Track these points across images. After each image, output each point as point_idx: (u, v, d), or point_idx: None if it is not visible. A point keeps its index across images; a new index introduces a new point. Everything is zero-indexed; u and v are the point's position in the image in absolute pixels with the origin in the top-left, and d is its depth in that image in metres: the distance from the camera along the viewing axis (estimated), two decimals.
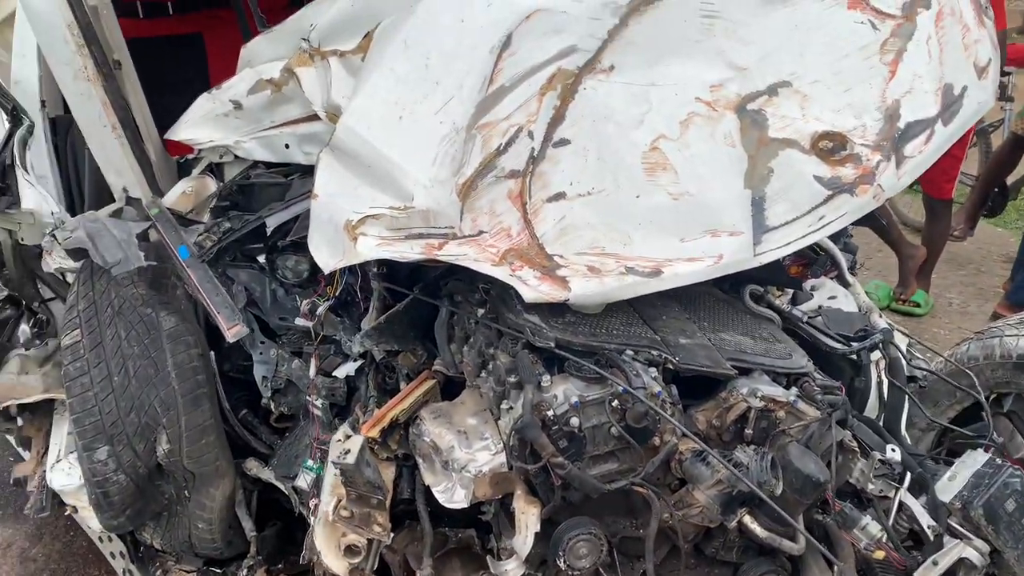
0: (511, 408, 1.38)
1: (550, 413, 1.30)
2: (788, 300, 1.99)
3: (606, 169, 1.58)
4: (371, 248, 1.47)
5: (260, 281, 2.11)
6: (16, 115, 2.38)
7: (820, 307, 1.96)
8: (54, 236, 2.03)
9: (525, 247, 1.52)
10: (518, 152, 1.59)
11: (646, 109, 1.63)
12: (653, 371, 1.38)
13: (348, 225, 1.51)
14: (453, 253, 1.49)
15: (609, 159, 1.58)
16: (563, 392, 1.33)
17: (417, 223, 1.53)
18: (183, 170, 2.35)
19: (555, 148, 1.60)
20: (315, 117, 1.99)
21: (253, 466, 2.10)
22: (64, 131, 2.59)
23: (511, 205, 1.56)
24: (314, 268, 2.09)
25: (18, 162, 2.30)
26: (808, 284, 2.05)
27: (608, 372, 1.34)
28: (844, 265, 2.09)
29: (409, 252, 1.48)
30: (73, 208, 2.41)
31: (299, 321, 1.97)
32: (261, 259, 2.12)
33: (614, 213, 1.54)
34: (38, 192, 2.28)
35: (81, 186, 2.49)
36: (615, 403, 1.32)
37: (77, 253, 2.00)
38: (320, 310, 1.94)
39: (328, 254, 1.56)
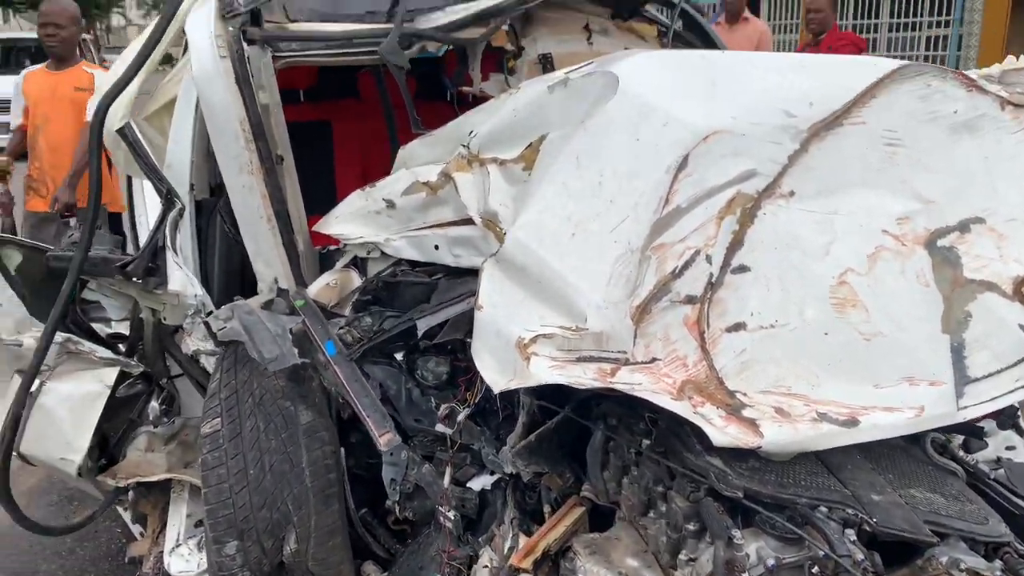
0: (692, 560, 1.28)
1: (745, 575, 1.19)
2: (959, 446, 1.83)
3: (790, 301, 1.50)
4: (545, 371, 1.41)
5: (396, 379, 2.07)
6: (170, 198, 2.46)
7: (999, 458, 1.80)
8: (205, 323, 2.06)
9: (703, 380, 1.44)
10: (695, 277, 1.53)
11: (830, 239, 1.56)
12: (851, 533, 1.26)
13: (520, 343, 1.46)
14: (627, 381, 1.42)
15: (793, 290, 1.51)
16: (756, 551, 1.22)
17: (589, 345, 1.47)
18: (324, 261, 2.38)
19: (734, 275, 1.53)
20: (468, 221, 1.98)
21: (371, 571, 2.03)
22: (207, 214, 2.67)
23: (687, 333, 1.49)
24: (454, 371, 2.06)
25: (169, 244, 2.36)
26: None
27: (805, 532, 1.23)
28: (1020, 412, 1.92)
29: (583, 377, 1.41)
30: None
31: (438, 427, 1.91)
32: (399, 356, 2.10)
33: (800, 350, 1.45)
34: (184, 275, 2.33)
35: (209, 268, 2.56)
36: (814, 569, 1.20)
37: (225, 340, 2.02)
38: (460, 417, 1.89)
39: (497, 371, 1.51)
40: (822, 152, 1.64)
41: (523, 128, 1.90)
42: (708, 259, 1.54)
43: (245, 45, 2.01)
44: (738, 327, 1.48)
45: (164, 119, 2.76)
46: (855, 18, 10.37)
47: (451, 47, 2.31)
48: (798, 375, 1.43)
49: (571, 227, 1.59)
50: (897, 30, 10.14)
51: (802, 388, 1.41)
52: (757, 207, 1.59)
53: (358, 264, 2.26)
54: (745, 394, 1.40)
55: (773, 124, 1.64)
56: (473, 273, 1.96)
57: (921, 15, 9.70)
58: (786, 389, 1.41)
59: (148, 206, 3.46)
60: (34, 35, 8.31)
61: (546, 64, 2.40)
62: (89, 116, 2.43)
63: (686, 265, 1.54)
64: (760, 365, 1.44)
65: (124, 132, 2.57)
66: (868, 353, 1.44)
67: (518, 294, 1.62)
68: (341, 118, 3.78)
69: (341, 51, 2.11)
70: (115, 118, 2.54)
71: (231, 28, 2.00)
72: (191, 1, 2.45)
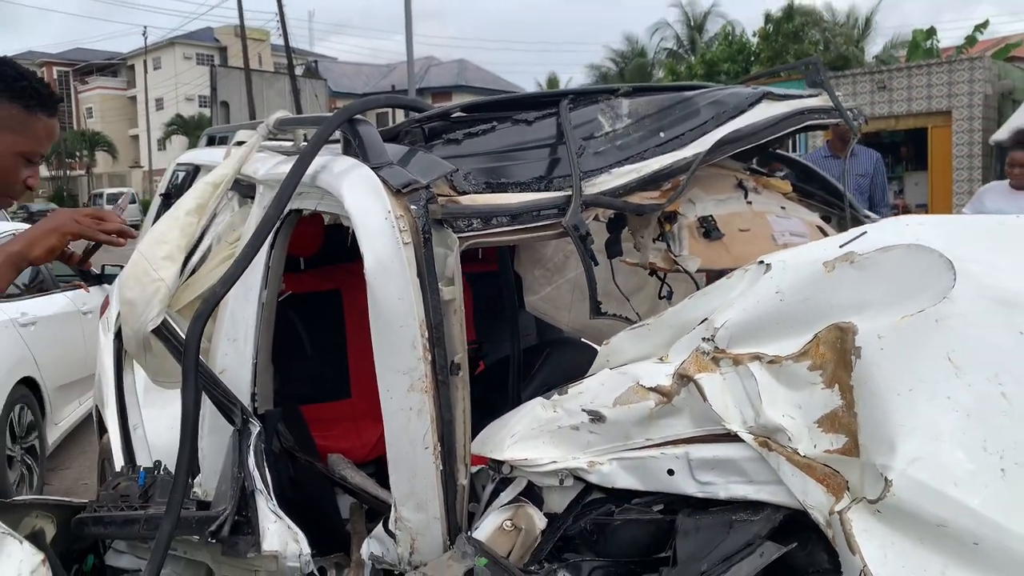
0: None
1: None
2: None
3: None
4: None
5: None
6: (246, 420, 1.84)
7: None
8: None
9: None
10: None
11: None
12: None
13: None
14: None
15: None
16: None
17: None
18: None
19: None
20: (720, 438, 1.52)
21: None
22: (270, 432, 2.05)
23: None
24: None
25: (259, 485, 1.73)
26: None
27: None
28: None
29: None
30: None
31: None
32: None
33: None
34: (285, 527, 1.69)
35: None
36: None
37: None
38: None
39: None
40: None
41: (796, 317, 1.50)
42: None
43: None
44: None
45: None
46: None
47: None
48: None
49: (994, 460, 1.17)
50: None
51: None
52: None
53: (534, 495, 1.71)
54: None
55: None
56: (740, 506, 1.48)
57: None
58: None
59: (142, 410, 2.72)
60: None
61: (710, 228, 2.04)
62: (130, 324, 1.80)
63: None
64: None
65: (162, 331, 1.95)
66: None
67: (923, 557, 1.16)
68: (353, 285, 3.24)
69: (526, 226, 1.65)
70: (145, 317, 1.92)
71: (414, 206, 1.50)
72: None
